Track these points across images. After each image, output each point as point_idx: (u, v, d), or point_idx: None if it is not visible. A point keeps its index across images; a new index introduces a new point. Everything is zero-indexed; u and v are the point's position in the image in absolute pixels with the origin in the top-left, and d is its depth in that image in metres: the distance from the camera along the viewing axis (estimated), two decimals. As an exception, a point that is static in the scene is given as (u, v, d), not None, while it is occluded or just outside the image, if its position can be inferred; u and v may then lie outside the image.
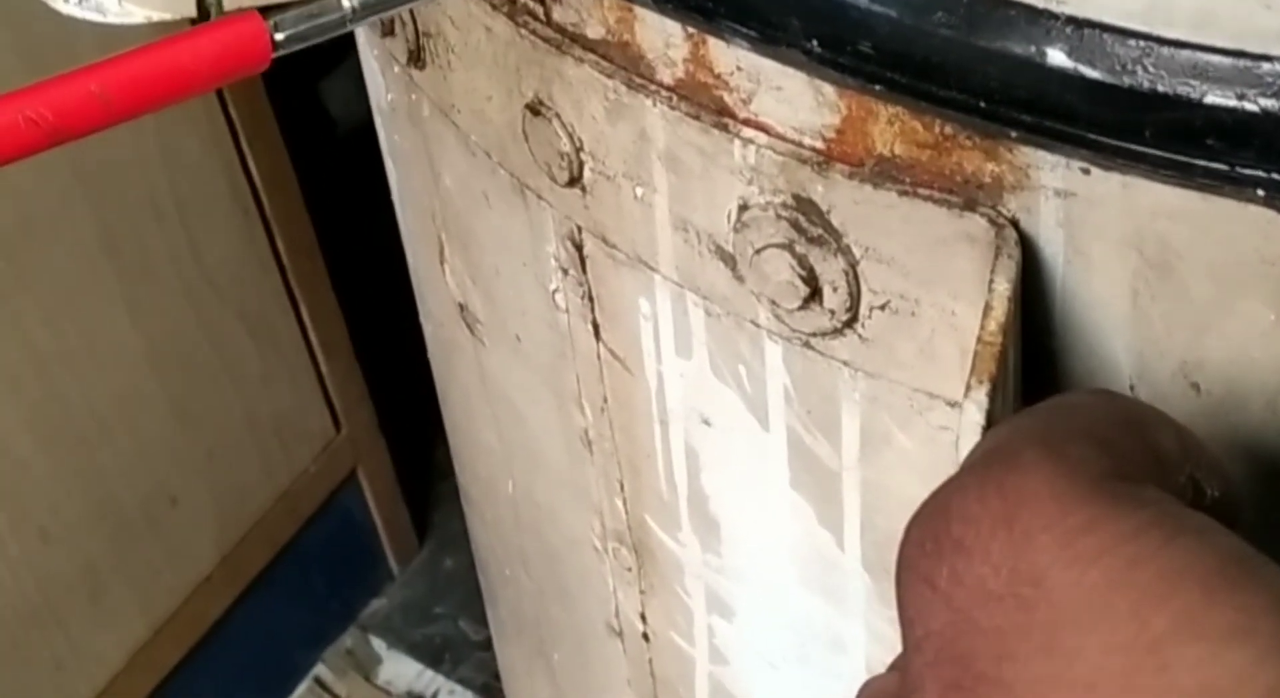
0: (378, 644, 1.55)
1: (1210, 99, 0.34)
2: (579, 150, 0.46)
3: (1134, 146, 0.35)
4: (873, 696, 0.36)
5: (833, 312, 0.42)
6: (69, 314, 1.19)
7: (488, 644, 1.48)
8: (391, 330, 1.24)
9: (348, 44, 0.55)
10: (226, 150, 1.29)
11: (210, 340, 1.32)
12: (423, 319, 0.68)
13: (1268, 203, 0.35)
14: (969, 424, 0.37)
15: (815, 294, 0.42)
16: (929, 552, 0.31)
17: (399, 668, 1.53)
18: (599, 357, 0.52)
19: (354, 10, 0.40)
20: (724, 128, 0.42)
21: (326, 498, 1.47)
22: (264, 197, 1.34)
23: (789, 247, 0.42)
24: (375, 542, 1.56)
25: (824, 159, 0.41)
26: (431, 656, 1.53)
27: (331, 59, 1.60)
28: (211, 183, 1.29)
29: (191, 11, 0.45)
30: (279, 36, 0.38)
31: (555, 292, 0.52)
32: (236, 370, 1.35)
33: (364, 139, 0.70)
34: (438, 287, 0.61)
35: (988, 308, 0.38)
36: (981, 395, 0.37)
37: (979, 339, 0.38)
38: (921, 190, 0.40)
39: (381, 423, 1.52)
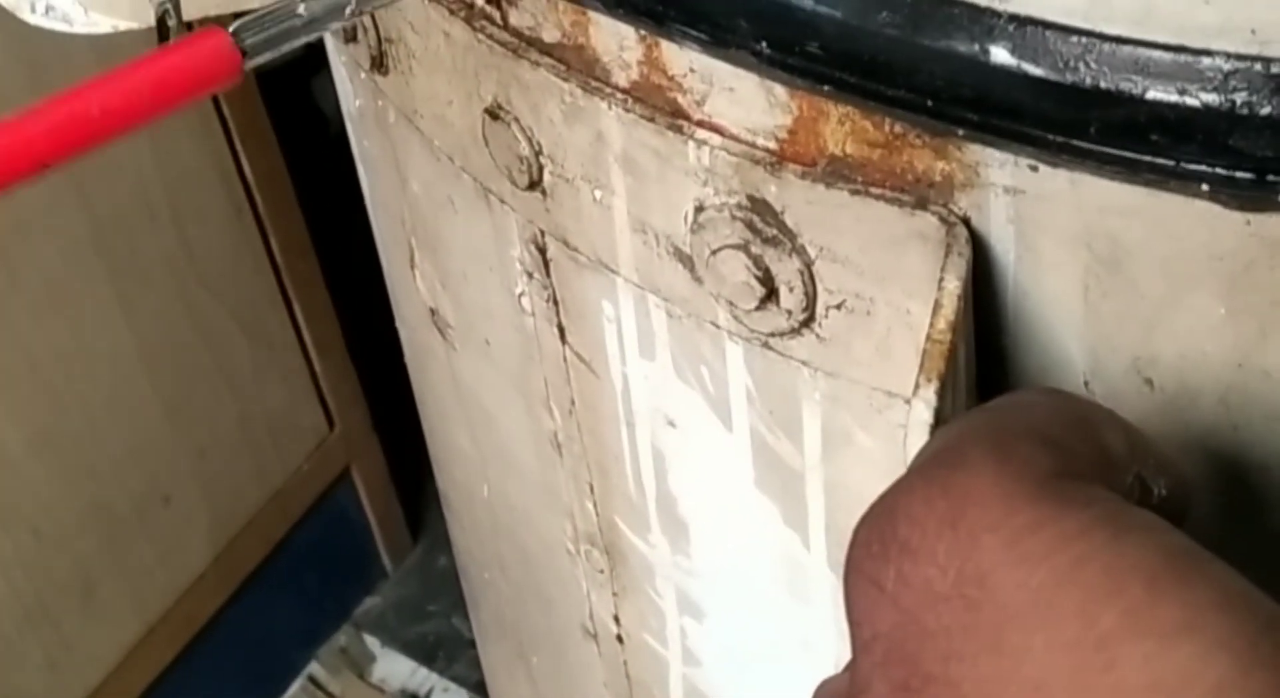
0: (371, 642, 1.55)
1: (1152, 94, 0.34)
2: (538, 154, 0.46)
3: (1080, 143, 0.35)
4: (828, 695, 0.36)
5: (789, 312, 0.42)
6: (61, 314, 1.19)
7: (482, 642, 1.48)
8: (385, 329, 1.24)
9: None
10: (220, 149, 1.29)
11: (203, 339, 1.32)
12: (398, 324, 0.68)
13: (1213, 197, 0.35)
14: (917, 422, 0.37)
15: (772, 294, 0.42)
16: (875, 553, 0.31)
17: (393, 666, 1.53)
18: (565, 359, 0.52)
19: (312, 17, 0.39)
20: (678, 130, 0.42)
21: (320, 496, 1.47)
22: (257, 195, 1.34)
23: (744, 247, 0.42)
24: (369, 540, 1.56)
25: (777, 159, 0.41)
26: (425, 653, 1.53)
27: (323, 57, 1.60)
28: (204, 181, 1.29)
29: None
30: (246, 45, 0.37)
31: (521, 295, 0.52)
32: (229, 369, 1.35)
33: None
34: (409, 292, 0.61)
35: (937, 306, 0.38)
36: (930, 393, 0.37)
37: (928, 337, 0.38)
38: (873, 189, 0.40)
39: (375, 421, 1.52)
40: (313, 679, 1.52)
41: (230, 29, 0.37)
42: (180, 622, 1.36)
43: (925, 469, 0.32)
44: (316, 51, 0.62)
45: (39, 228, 1.15)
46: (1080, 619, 0.28)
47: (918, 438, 0.37)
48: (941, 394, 0.37)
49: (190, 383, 1.32)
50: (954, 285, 0.38)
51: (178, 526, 1.34)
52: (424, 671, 1.52)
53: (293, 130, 1.39)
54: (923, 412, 0.37)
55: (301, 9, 0.38)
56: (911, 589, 0.30)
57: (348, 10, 0.39)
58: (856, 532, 0.32)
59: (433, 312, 0.59)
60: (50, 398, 1.20)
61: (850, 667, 0.33)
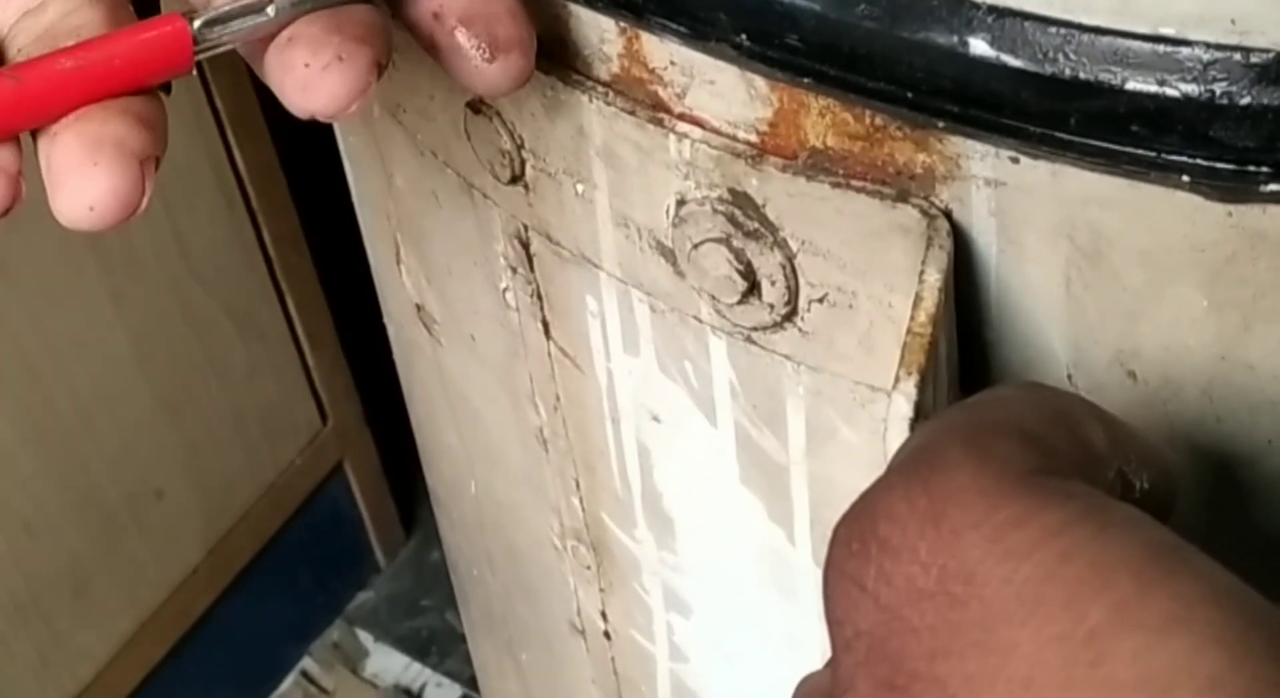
0: (364, 637, 1.54)
1: (1132, 85, 0.34)
2: (520, 148, 0.46)
3: (1060, 134, 0.35)
4: (810, 691, 0.36)
5: (772, 305, 0.42)
6: (53, 308, 1.19)
7: (475, 637, 1.48)
8: (378, 323, 1.23)
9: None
10: (212, 142, 1.28)
11: (195, 333, 1.32)
12: (385, 320, 0.67)
13: (1194, 188, 0.35)
14: (896, 416, 0.37)
15: (754, 288, 0.42)
16: (856, 552, 0.31)
17: (386, 661, 1.52)
18: (550, 355, 0.52)
19: (278, 9, 0.39)
20: (659, 123, 0.42)
21: (313, 491, 1.47)
22: (250, 188, 1.33)
23: (726, 241, 0.42)
24: (362, 535, 1.56)
25: (758, 152, 0.41)
26: (419, 648, 1.52)
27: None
28: (197, 175, 1.28)
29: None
30: (199, 34, 0.37)
31: (505, 290, 0.52)
32: (222, 363, 1.35)
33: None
34: (396, 288, 0.61)
35: (918, 298, 0.38)
36: (910, 387, 0.37)
37: (909, 330, 0.38)
38: (854, 182, 0.39)
39: (368, 416, 1.51)
40: (305, 674, 1.52)
41: (192, 18, 0.37)
42: (172, 617, 1.35)
43: (905, 467, 0.32)
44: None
45: (29, 221, 1.14)
46: (1068, 614, 0.28)
47: (898, 431, 0.37)
48: (922, 387, 0.37)
49: (182, 377, 1.32)
50: (935, 278, 0.38)
51: (170, 520, 1.33)
52: (417, 665, 1.51)
53: (285, 122, 1.38)
54: (903, 405, 0.37)
55: (270, 9, 0.37)
56: (893, 587, 0.30)
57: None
58: (836, 531, 0.32)
59: (418, 308, 0.59)
60: (41, 392, 1.20)
61: (832, 665, 0.33)
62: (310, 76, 0.36)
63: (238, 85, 1.28)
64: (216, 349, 1.34)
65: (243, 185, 1.32)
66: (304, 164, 1.40)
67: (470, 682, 1.47)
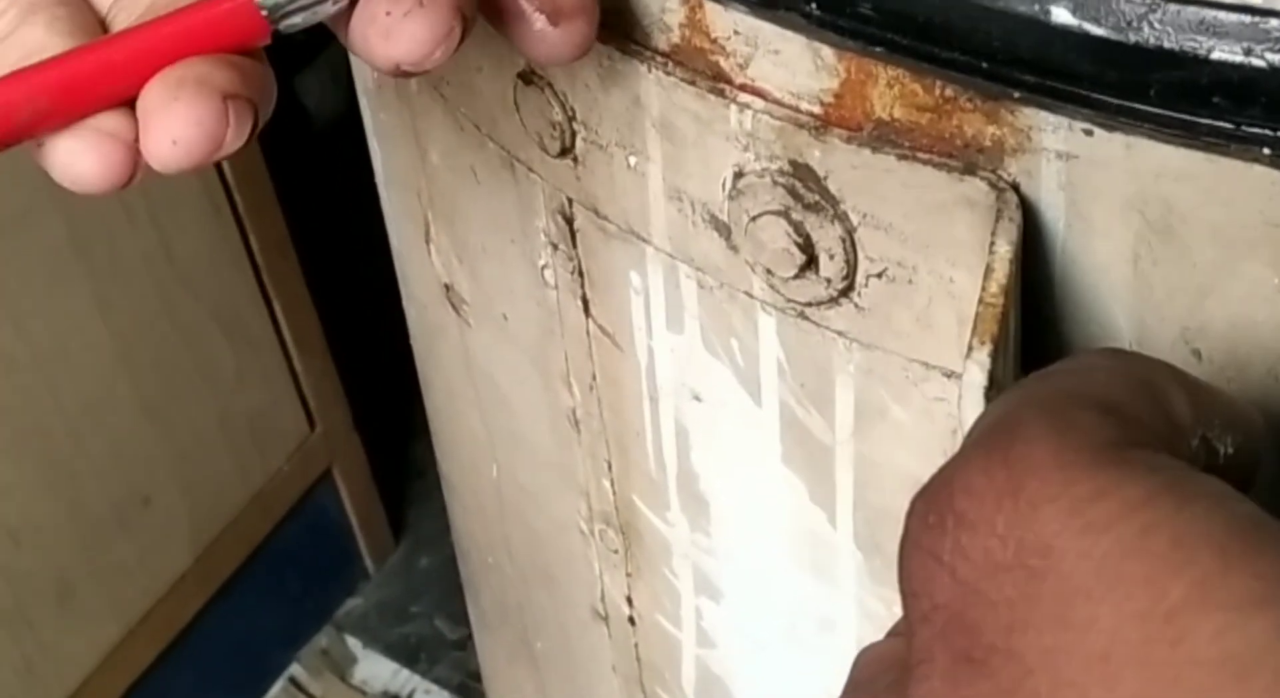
0: (353, 644, 1.54)
1: (1216, 55, 0.33)
2: (571, 119, 0.46)
3: (1138, 106, 0.35)
4: (874, 659, 0.35)
5: (828, 280, 0.42)
6: (39, 314, 1.18)
7: (464, 644, 1.47)
8: (367, 328, 1.23)
9: (324, 38, 0.55)
10: (199, 146, 1.28)
11: (183, 339, 1.31)
12: (405, 303, 0.67)
13: (1273, 163, 0.35)
14: (971, 385, 0.37)
15: (811, 262, 0.42)
16: (933, 525, 0.31)
17: (374, 668, 1.52)
18: (588, 333, 0.51)
19: None
20: (720, 93, 0.42)
21: (301, 497, 1.46)
22: (236, 193, 1.33)
23: (785, 213, 0.42)
24: (350, 541, 1.55)
25: (822, 124, 0.40)
26: (407, 655, 1.52)
27: (307, 53, 1.59)
28: (183, 179, 1.28)
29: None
30: (270, 5, 0.37)
31: (544, 268, 0.51)
32: (209, 369, 1.34)
33: (339, 134, 0.69)
34: (422, 268, 0.61)
35: (989, 270, 0.37)
36: (984, 356, 0.37)
37: (980, 301, 0.37)
38: (921, 154, 0.39)
39: (356, 421, 1.51)
40: (294, 681, 1.51)
41: None
42: (160, 624, 1.34)
43: (983, 440, 0.31)
44: (300, 46, 0.61)
45: (15, 227, 1.14)
46: (1148, 590, 0.28)
47: (972, 401, 0.37)
48: (995, 358, 0.37)
49: (170, 383, 1.31)
50: (1006, 250, 0.38)
51: (157, 527, 1.33)
52: (406, 672, 1.51)
53: (273, 128, 1.37)
54: (977, 374, 0.37)
55: None
56: (970, 561, 0.30)
57: None
58: (914, 504, 0.32)
59: (447, 287, 0.58)
60: (28, 399, 1.19)
61: (903, 636, 0.32)
62: (392, 23, 0.36)
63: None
64: (204, 355, 1.33)
65: (229, 190, 1.32)
66: (291, 169, 1.40)
67: (459, 688, 1.46)
